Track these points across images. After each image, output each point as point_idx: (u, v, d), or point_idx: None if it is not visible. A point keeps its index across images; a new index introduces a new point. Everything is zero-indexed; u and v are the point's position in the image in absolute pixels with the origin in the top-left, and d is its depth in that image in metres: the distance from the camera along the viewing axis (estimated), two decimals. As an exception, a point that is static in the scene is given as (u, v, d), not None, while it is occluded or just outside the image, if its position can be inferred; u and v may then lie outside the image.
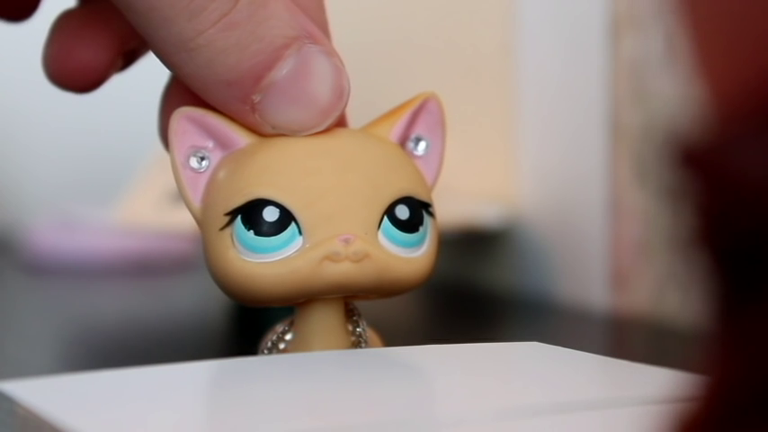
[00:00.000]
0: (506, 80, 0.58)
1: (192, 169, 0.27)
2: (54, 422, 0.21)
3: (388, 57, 0.64)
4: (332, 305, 0.27)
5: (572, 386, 0.25)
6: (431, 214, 0.28)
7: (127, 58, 0.31)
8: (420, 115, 0.29)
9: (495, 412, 0.22)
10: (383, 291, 0.27)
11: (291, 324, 0.28)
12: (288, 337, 0.28)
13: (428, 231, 0.27)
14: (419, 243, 0.27)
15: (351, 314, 0.28)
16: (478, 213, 0.56)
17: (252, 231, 0.26)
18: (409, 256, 0.27)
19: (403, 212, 0.27)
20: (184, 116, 0.27)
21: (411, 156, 0.28)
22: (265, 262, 0.26)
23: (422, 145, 0.29)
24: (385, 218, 0.27)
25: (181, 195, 0.28)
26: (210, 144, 0.27)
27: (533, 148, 0.56)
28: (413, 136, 0.29)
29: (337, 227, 0.26)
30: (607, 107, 0.52)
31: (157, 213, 0.57)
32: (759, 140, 0.13)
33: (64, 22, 0.31)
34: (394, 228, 0.27)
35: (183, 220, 0.53)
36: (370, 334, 0.29)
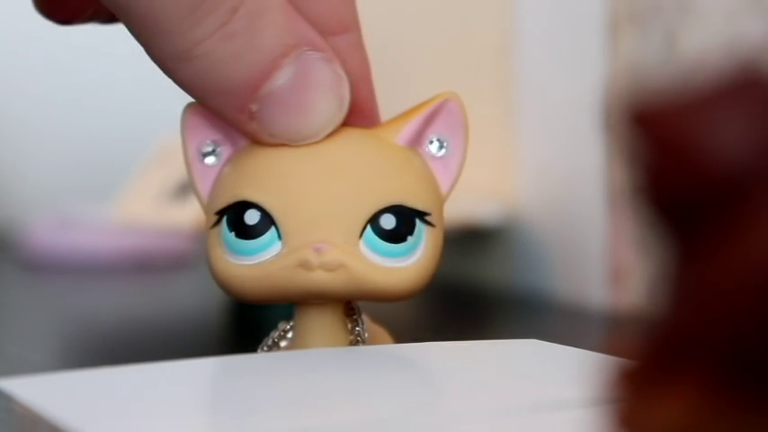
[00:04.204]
0: (505, 78, 0.58)
1: (203, 163, 0.27)
2: (51, 419, 0.21)
3: (388, 56, 0.64)
4: (330, 303, 0.27)
5: (570, 383, 0.25)
6: (428, 223, 0.27)
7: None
8: (439, 116, 0.28)
9: (493, 409, 0.22)
10: (367, 299, 0.27)
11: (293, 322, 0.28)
12: (290, 335, 0.28)
13: (421, 241, 0.27)
14: (406, 253, 0.27)
15: (350, 312, 0.28)
16: (477, 210, 0.56)
17: (234, 233, 0.26)
18: (393, 266, 0.26)
19: (389, 222, 0.26)
20: (195, 111, 0.27)
21: (428, 158, 0.28)
22: (244, 264, 0.26)
23: (441, 146, 0.28)
24: (368, 227, 0.26)
25: (192, 189, 0.28)
26: (221, 139, 0.27)
27: (532, 145, 0.56)
28: (430, 137, 0.28)
29: (315, 234, 0.26)
30: (606, 105, 0.52)
31: (155, 211, 0.57)
32: (723, 113, 0.14)
33: None
34: (377, 237, 0.26)
35: (181, 217, 0.53)
36: (378, 330, 0.29)
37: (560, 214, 0.55)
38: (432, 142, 0.28)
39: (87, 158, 0.83)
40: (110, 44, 0.68)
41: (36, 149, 0.84)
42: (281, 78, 0.26)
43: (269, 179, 0.26)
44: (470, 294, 0.58)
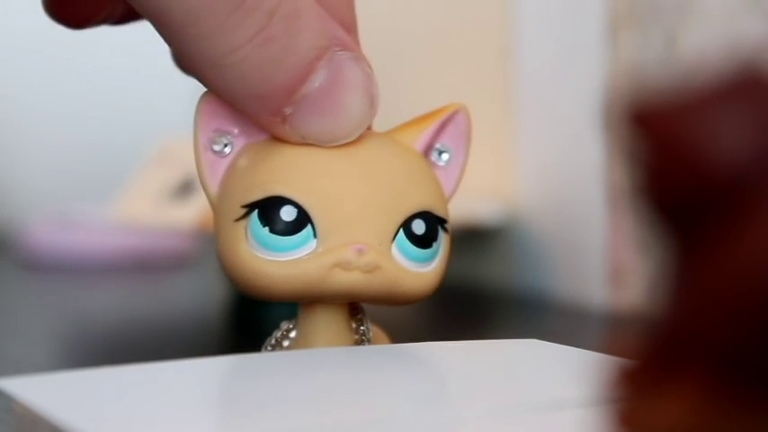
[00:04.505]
0: (505, 78, 0.58)
1: (214, 152, 0.27)
2: (51, 419, 0.21)
3: (387, 57, 0.64)
4: (337, 303, 0.27)
5: (570, 383, 0.25)
6: (445, 230, 0.27)
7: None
8: (447, 125, 0.28)
9: (493, 409, 0.22)
10: (389, 302, 0.27)
11: (297, 321, 0.28)
12: (292, 334, 0.28)
13: (441, 247, 0.27)
14: (430, 259, 0.27)
15: (354, 312, 0.28)
16: (477, 211, 0.56)
17: (267, 228, 0.26)
18: (419, 271, 0.27)
19: (419, 227, 0.27)
20: (213, 97, 0.27)
21: (433, 166, 0.28)
22: (276, 260, 0.26)
23: (445, 156, 0.28)
24: (400, 231, 0.26)
25: (199, 178, 0.27)
26: (236, 130, 0.27)
27: (532, 145, 0.56)
28: (437, 146, 0.28)
29: (352, 235, 0.26)
30: (606, 106, 0.52)
31: (155, 211, 0.57)
32: (720, 112, 0.14)
33: None
34: (408, 242, 0.27)
35: (181, 217, 0.53)
36: (376, 331, 0.29)
37: (560, 214, 0.55)
38: (437, 151, 0.28)
39: (87, 158, 0.83)
40: (111, 44, 0.68)
41: (36, 149, 0.84)
42: (317, 81, 0.26)
43: (305, 177, 0.26)
44: (470, 294, 0.58)
